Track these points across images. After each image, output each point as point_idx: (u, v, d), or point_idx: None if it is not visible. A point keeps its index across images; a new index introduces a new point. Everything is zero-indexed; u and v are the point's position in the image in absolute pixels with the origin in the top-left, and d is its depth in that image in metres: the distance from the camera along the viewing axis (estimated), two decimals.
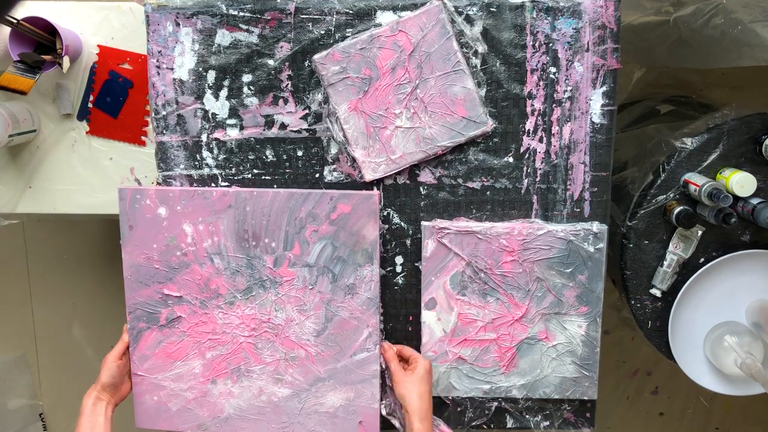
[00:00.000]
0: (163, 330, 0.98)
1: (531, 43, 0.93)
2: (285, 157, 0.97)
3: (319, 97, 0.95)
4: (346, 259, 0.95)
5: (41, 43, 1.05)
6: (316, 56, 0.93)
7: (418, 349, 1.00)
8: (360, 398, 0.98)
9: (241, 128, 0.96)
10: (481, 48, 0.93)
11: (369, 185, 0.97)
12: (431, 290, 0.98)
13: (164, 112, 0.96)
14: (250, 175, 0.98)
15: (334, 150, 0.97)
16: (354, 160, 0.96)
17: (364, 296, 0.96)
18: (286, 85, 0.95)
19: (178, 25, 0.94)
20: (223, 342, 0.98)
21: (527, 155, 0.96)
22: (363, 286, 0.95)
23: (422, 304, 0.99)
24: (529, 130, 0.96)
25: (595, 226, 0.96)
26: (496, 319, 0.98)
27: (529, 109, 0.95)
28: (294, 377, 0.98)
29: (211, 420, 1.00)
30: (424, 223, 0.97)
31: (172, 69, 0.95)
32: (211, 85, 0.95)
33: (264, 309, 0.97)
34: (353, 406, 0.98)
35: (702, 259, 1.10)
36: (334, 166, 0.97)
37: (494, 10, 0.93)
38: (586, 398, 1.01)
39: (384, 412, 0.99)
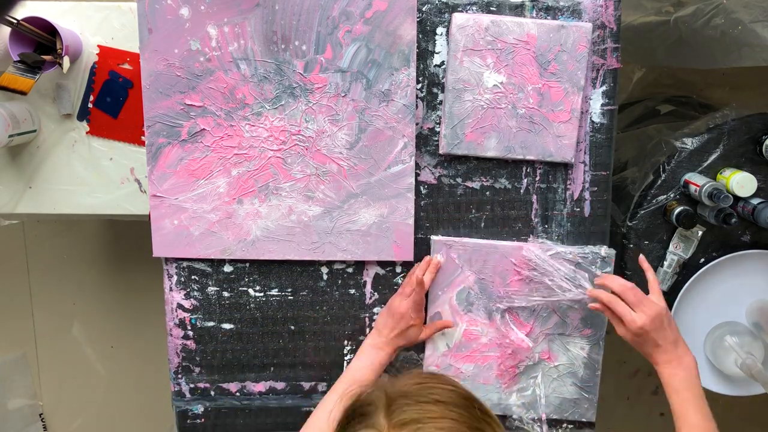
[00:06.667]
0: (185, 145, 0.91)
1: None
2: None
3: None
4: (381, 63, 0.89)
5: (41, 43, 1.05)
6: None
7: (420, 362, 1.00)
8: (394, 214, 0.93)
9: None
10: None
11: None
12: (438, 304, 0.98)
13: None
14: None
15: None
16: None
17: (399, 103, 0.90)
18: None
19: None
20: (251, 157, 0.91)
21: None
22: (399, 92, 0.90)
23: (427, 318, 0.98)
24: None
25: (603, 250, 0.96)
26: (500, 336, 0.98)
27: None
28: (325, 194, 0.93)
29: (237, 243, 0.93)
30: (433, 237, 0.96)
31: None
32: None
33: (294, 120, 0.91)
34: (387, 222, 0.94)
35: (702, 260, 1.10)
36: None
37: (494, 9, 0.93)
38: (584, 420, 1.01)
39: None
